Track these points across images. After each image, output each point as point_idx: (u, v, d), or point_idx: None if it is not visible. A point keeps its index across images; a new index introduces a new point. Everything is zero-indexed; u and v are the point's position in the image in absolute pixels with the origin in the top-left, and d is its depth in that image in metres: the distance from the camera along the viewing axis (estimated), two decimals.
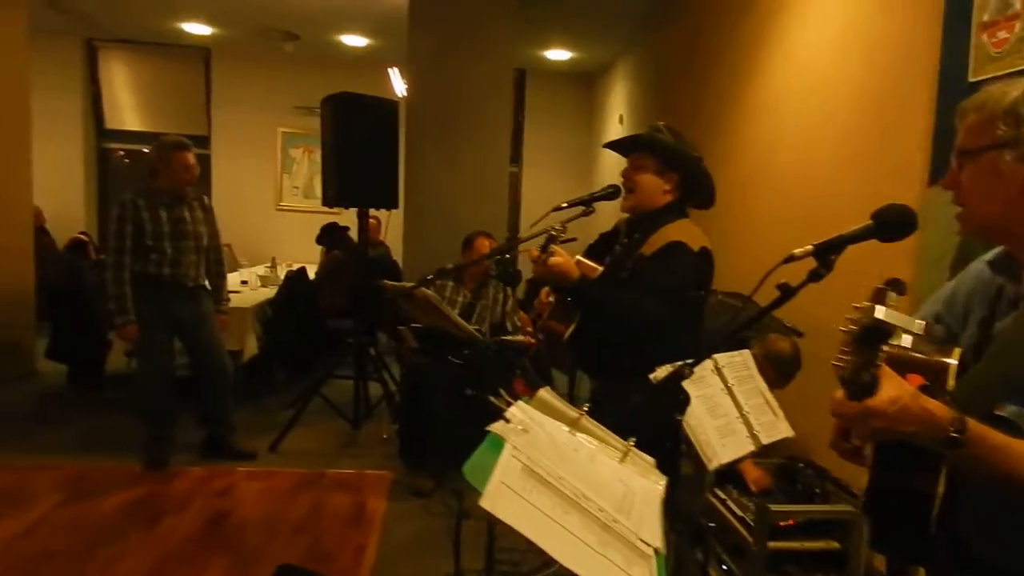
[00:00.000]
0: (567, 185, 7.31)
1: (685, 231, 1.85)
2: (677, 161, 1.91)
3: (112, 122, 7.62)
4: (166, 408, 3.59)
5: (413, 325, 3.34)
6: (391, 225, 5.01)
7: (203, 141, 7.33)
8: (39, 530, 2.91)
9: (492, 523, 2.37)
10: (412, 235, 4.55)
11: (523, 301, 4.21)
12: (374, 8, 5.48)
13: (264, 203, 7.58)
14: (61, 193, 6.97)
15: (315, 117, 7.38)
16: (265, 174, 7.56)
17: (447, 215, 4.37)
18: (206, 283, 3.63)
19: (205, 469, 3.56)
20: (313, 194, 7.66)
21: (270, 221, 7.50)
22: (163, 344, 3.53)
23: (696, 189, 1.94)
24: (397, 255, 6.75)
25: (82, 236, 7.06)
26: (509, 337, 3.37)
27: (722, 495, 2.36)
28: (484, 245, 3.76)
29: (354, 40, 6.59)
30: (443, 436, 3.34)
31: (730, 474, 2.25)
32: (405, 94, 4.85)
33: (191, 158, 3.49)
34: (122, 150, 7.77)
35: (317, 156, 7.59)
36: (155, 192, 3.44)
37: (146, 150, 7.94)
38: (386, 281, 3.45)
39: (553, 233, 1.83)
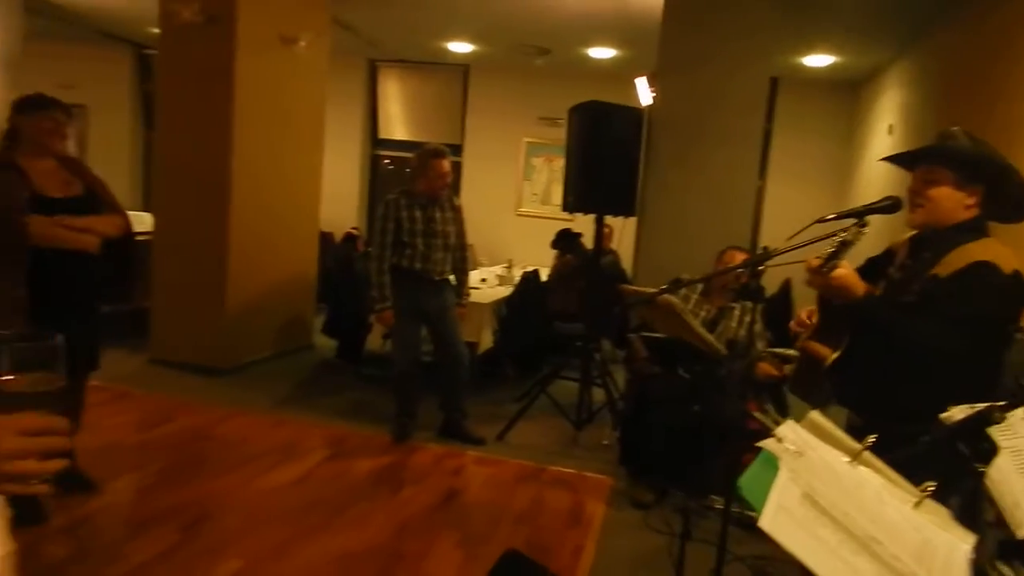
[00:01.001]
0: (815, 199, 6.73)
1: (991, 250, 1.58)
2: (981, 171, 1.65)
3: (383, 132, 8.65)
4: (412, 389, 3.96)
5: (644, 334, 3.31)
6: (621, 234, 5.01)
7: (456, 149, 8.00)
8: (308, 480, 3.38)
9: (720, 549, 2.28)
10: (645, 244, 4.51)
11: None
12: (626, 20, 5.55)
13: (505, 208, 8.06)
14: (340, 193, 8.06)
15: (558, 128, 7.78)
16: (508, 181, 8.03)
17: (684, 226, 4.26)
18: (451, 278, 3.94)
19: (441, 448, 3.88)
20: (550, 201, 7.97)
21: (509, 225, 7.94)
22: (413, 332, 3.90)
23: (1003, 202, 1.65)
24: (626, 264, 6.78)
25: (353, 231, 8.11)
26: (780, 350, 3.13)
27: (1006, 572, 1.98)
28: (735, 259, 3.61)
29: (601, 52, 6.73)
30: (667, 451, 3.27)
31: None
32: (651, 103, 4.82)
33: (446, 165, 3.80)
34: (388, 157, 8.78)
35: (557, 165, 7.93)
36: (414, 193, 3.80)
37: (408, 156, 9.08)
38: (626, 287, 3.46)
39: (846, 239, 1.60)
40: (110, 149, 8.37)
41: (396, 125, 8.65)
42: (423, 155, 3.81)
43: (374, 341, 5.29)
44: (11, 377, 0.81)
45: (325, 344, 5.65)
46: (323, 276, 6.02)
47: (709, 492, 3.13)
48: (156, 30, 7.42)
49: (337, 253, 6.68)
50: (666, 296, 2.73)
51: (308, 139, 5.66)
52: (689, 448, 3.11)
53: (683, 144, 4.32)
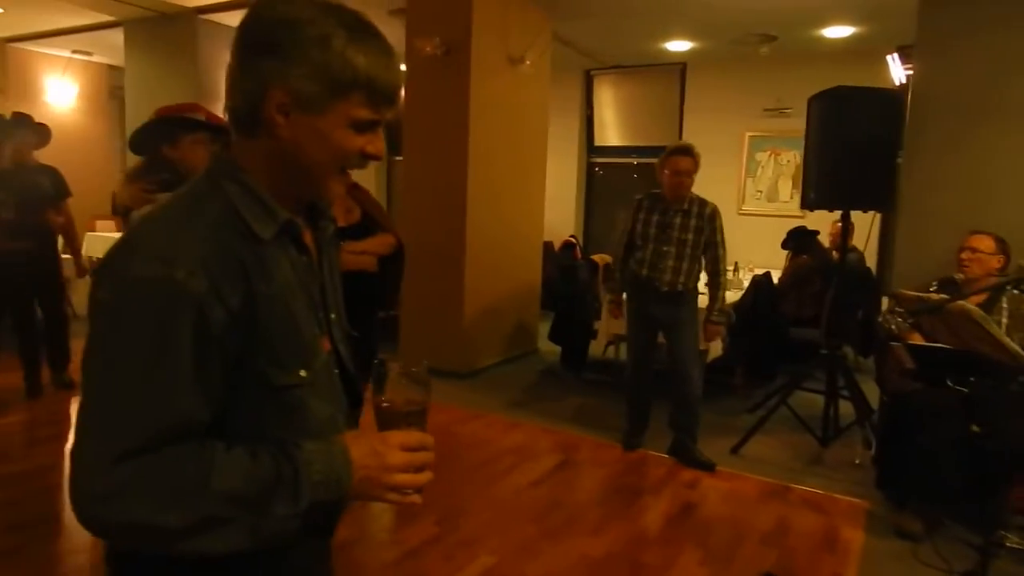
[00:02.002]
0: None
1: None
2: None
3: (598, 140, 8.73)
4: (642, 400, 3.88)
5: (911, 343, 2.94)
6: (860, 229, 4.50)
7: None
8: (545, 483, 3.50)
9: None
10: (905, 241, 4.01)
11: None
12: None
13: (727, 207, 7.61)
14: (559, 202, 8.28)
15: (785, 118, 7.26)
16: (729, 178, 7.66)
17: (954, 220, 3.71)
18: (689, 288, 3.63)
19: (673, 460, 3.78)
20: (776, 198, 7.45)
21: (731, 225, 7.52)
22: (641, 340, 3.77)
23: None
24: (870, 262, 6.10)
25: (571, 239, 8.29)
26: None
27: None
28: (982, 243, 3.11)
29: (837, 31, 6.14)
30: (937, 476, 2.87)
31: None
32: (904, 82, 4.27)
33: (683, 163, 3.54)
34: (601, 164, 8.83)
35: (784, 158, 7.39)
36: (658, 196, 3.68)
37: (622, 162, 9.09)
38: (903, 292, 3.11)
39: None
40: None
41: (609, 131, 8.68)
42: (664, 154, 3.64)
43: (597, 348, 5.34)
44: (390, 398, 0.93)
45: (549, 350, 5.83)
46: (545, 283, 6.23)
47: (1000, 527, 2.69)
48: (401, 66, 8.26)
49: (557, 261, 6.87)
50: (962, 303, 2.38)
51: (533, 151, 5.90)
52: (968, 474, 2.70)
53: (958, 127, 3.75)
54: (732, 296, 5.06)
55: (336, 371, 0.99)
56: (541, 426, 4.29)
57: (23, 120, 4.29)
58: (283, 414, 0.87)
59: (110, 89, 9.22)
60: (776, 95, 7.22)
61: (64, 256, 4.68)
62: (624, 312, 3.85)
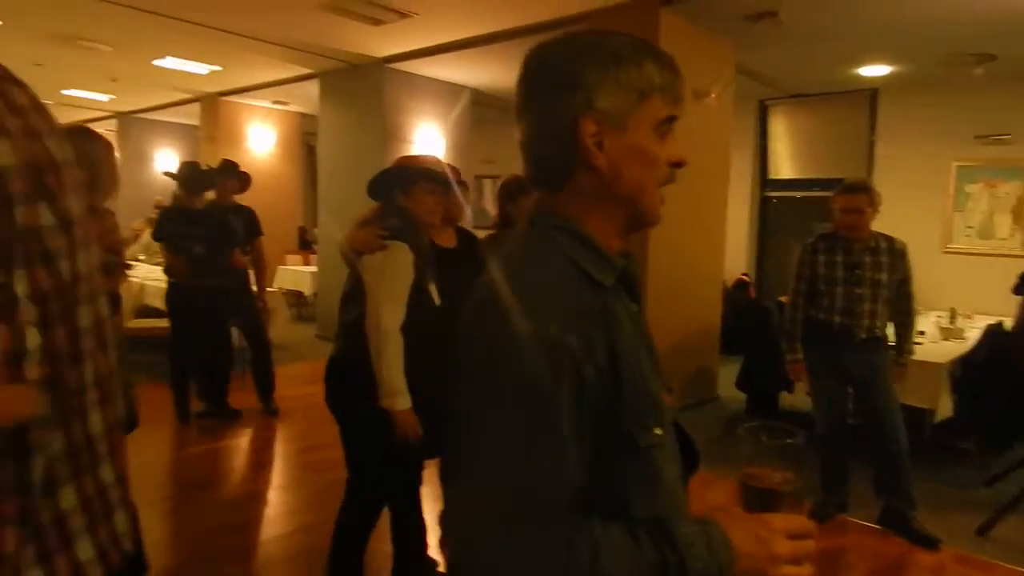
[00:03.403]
0: None
1: None
2: None
3: (772, 172, 8.25)
4: (836, 459, 3.45)
5: None
6: None
7: None
8: None
9: None
10: None
11: None
12: None
13: (929, 245, 6.91)
14: (730, 238, 7.88)
15: (1002, 146, 6.44)
16: (932, 213, 6.90)
17: None
18: (884, 332, 3.32)
19: (888, 535, 3.31)
20: (991, 234, 6.60)
21: (936, 264, 6.77)
22: (834, 392, 3.39)
23: None
24: None
25: (744, 277, 7.84)
26: None
27: None
28: None
29: None
30: None
31: None
32: None
33: (855, 201, 3.23)
34: (775, 198, 8.32)
35: (1001, 190, 6.54)
36: (833, 236, 3.35)
37: (797, 196, 8.51)
38: None
39: None
40: None
41: (783, 163, 8.19)
42: (837, 191, 3.35)
43: (794, 398, 4.91)
44: (765, 474, 0.81)
45: (729, 396, 5.46)
46: (725, 325, 5.88)
47: None
48: None
49: (733, 301, 6.48)
50: None
51: (714, 187, 5.64)
52: None
53: None
54: (954, 348, 4.46)
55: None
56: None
57: (230, 168, 4.71)
58: (641, 479, 0.81)
59: (301, 135, 10.09)
60: (990, 120, 6.43)
61: (270, 289, 5.06)
62: (807, 368, 3.44)
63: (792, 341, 3.48)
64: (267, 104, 9.30)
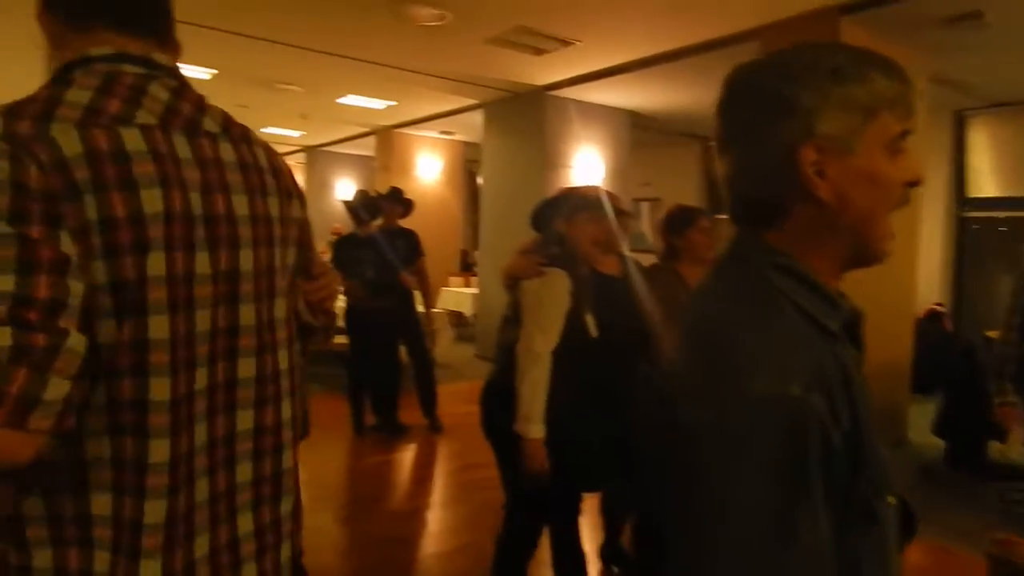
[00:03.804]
0: None
1: None
2: None
3: (970, 190, 7.35)
4: None
5: None
6: None
7: None
8: None
9: None
10: None
11: None
12: None
13: None
14: (922, 263, 7.10)
15: None
16: None
17: None
18: None
19: None
20: None
21: None
22: None
23: None
24: None
25: (938, 307, 7.01)
26: None
27: None
28: None
29: None
30: None
31: None
32: None
33: None
34: (976, 219, 7.39)
35: None
36: None
37: (1003, 216, 7.49)
38: None
39: None
40: None
41: (984, 179, 7.26)
42: None
43: (1007, 448, 4.28)
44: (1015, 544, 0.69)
45: (922, 442, 4.86)
46: (918, 363, 5.27)
47: None
48: None
49: (922, 333, 5.80)
50: None
51: (904, 210, 5.10)
52: None
53: None
54: None
55: None
56: (937, 544, 3.49)
57: (396, 194, 5.01)
58: (874, 553, 0.71)
59: (464, 163, 10.56)
60: None
61: (435, 309, 5.28)
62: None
63: (1002, 381, 3.04)
64: (434, 134, 9.84)
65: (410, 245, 4.93)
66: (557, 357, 2.16)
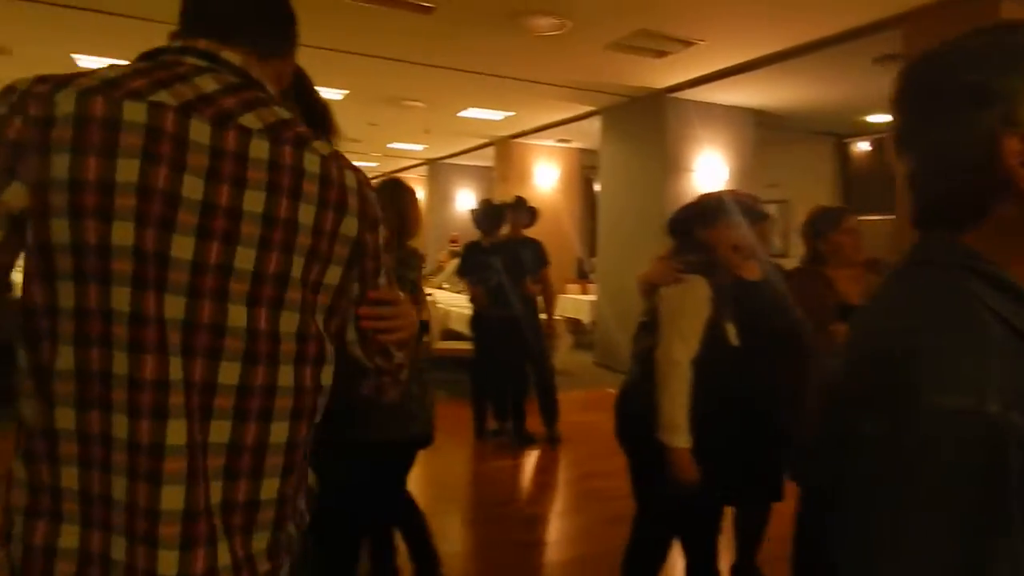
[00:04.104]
0: None
1: None
2: None
3: None
4: None
5: None
6: None
7: None
8: None
9: None
10: None
11: None
12: None
13: None
14: None
15: None
16: None
17: None
18: None
19: None
20: None
21: None
22: None
23: None
24: None
25: None
26: None
27: None
28: None
29: None
30: None
31: None
32: None
33: None
34: None
35: None
36: None
37: None
38: None
39: None
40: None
41: None
42: None
43: None
44: None
45: None
46: None
47: None
48: (868, 118, 7.49)
49: None
50: None
51: None
52: None
53: None
54: None
55: None
56: None
57: (521, 204, 5.06)
58: None
59: (581, 170, 10.56)
60: None
61: (556, 317, 5.29)
62: None
63: None
64: (551, 143, 9.91)
65: (536, 254, 4.98)
66: (697, 366, 2.11)
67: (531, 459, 4.80)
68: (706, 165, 7.00)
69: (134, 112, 0.81)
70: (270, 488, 0.90)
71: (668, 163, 6.84)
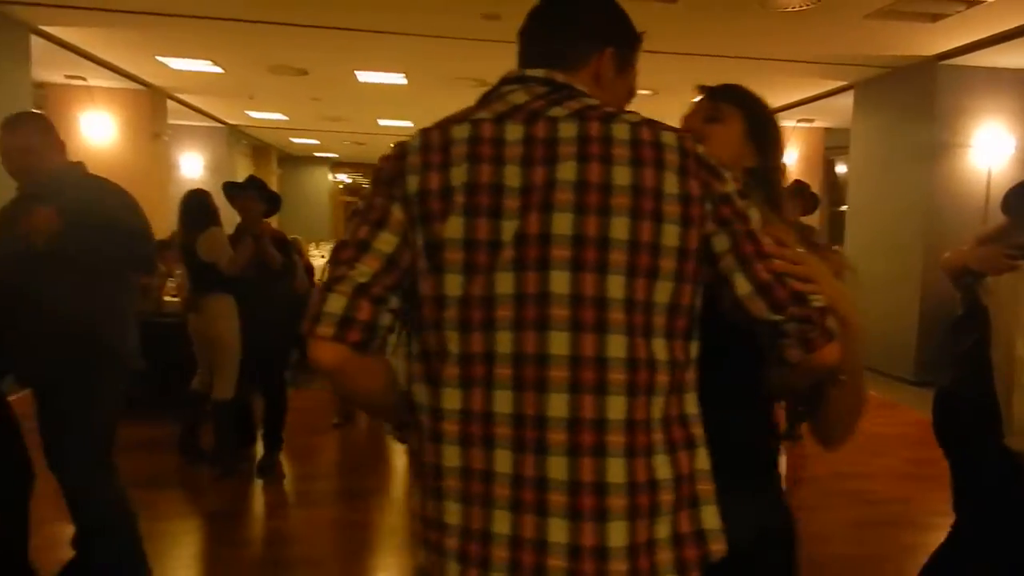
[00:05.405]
0: None
1: None
2: None
3: None
4: None
5: None
6: None
7: None
8: None
9: None
10: None
11: None
12: None
13: None
14: None
15: None
16: None
17: None
18: None
19: None
20: None
21: None
22: None
23: None
24: None
25: None
26: None
27: None
28: None
29: None
30: None
31: None
32: None
33: None
34: None
35: None
36: None
37: None
38: None
39: None
40: None
41: None
42: None
43: None
44: None
45: None
46: None
47: None
48: None
49: None
50: None
51: None
52: None
53: None
54: None
55: None
56: None
57: (801, 189, 4.82)
58: None
59: (823, 151, 9.79)
60: None
61: None
62: None
63: None
64: (791, 123, 9.30)
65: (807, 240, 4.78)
66: None
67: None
68: (986, 139, 6.13)
69: (459, 131, 0.94)
70: (618, 471, 0.87)
71: (938, 138, 6.11)
